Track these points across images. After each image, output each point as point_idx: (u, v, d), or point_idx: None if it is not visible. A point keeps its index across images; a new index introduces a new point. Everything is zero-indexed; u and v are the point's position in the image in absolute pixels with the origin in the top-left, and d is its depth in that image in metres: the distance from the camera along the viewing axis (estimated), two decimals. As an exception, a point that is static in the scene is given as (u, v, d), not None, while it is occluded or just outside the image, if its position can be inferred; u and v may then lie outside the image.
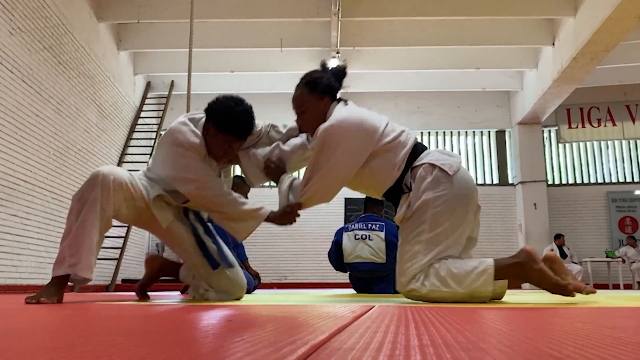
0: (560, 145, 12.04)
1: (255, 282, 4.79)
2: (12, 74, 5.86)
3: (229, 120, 2.44)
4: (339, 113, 2.47)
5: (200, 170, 2.48)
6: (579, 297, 2.39)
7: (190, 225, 2.69)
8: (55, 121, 6.86)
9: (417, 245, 2.34)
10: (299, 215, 2.55)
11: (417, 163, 2.44)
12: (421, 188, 2.37)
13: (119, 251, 8.41)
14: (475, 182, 2.57)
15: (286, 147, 2.71)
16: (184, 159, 2.45)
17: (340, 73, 2.64)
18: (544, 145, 11.85)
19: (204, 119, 2.54)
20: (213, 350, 0.75)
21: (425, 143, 12.15)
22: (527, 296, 3.24)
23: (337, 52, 8.86)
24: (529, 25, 8.89)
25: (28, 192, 6.20)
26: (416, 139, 2.57)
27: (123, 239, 8.52)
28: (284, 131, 2.77)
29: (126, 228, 8.52)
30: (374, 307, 1.95)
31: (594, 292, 2.37)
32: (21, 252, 6.06)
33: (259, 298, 3.10)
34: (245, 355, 0.67)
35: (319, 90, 2.54)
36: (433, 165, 2.39)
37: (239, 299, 2.71)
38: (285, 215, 2.54)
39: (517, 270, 2.24)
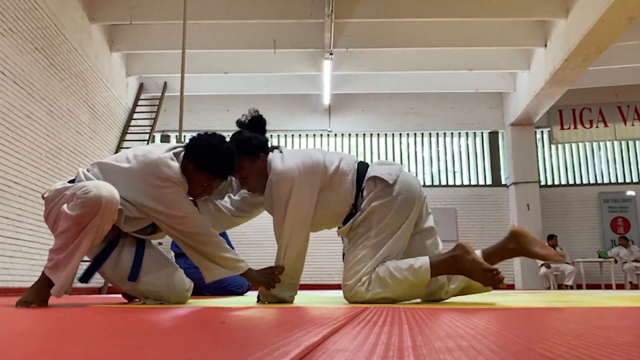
0: (553, 146, 12.10)
1: (248, 284, 4.79)
2: (3, 76, 5.82)
3: (210, 158, 2.39)
4: (277, 164, 2.55)
5: (188, 206, 2.44)
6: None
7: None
8: (47, 123, 6.82)
9: (363, 251, 2.48)
10: (279, 281, 2.56)
11: (364, 184, 2.59)
12: (367, 199, 2.54)
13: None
14: (421, 182, 2.82)
15: (237, 196, 2.83)
16: (171, 194, 2.38)
17: (260, 123, 2.71)
18: (537, 146, 11.90)
19: (182, 154, 2.48)
20: (206, 352, 0.75)
21: (418, 144, 12.14)
22: (519, 297, 3.26)
23: (331, 54, 8.87)
24: (521, 26, 8.94)
25: (20, 194, 6.17)
26: (357, 160, 2.70)
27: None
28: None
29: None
30: (367, 308, 1.95)
31: (562, 259, 2.61)
32: (13, 254, 6.02)
33: (253, 300, 3.09)
34: (239, 357, 0.67)
35: (252, 152, 2.60)
36: (374, 178, 2.56)
37: (178, 303, 2.63)
38: (266, 277, 2.57)
39: (452, 264, 2.38)
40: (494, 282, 2.28)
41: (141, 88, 10.50)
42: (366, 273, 2.44)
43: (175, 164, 2.42)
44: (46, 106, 6.81)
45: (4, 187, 5.84)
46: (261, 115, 2.71)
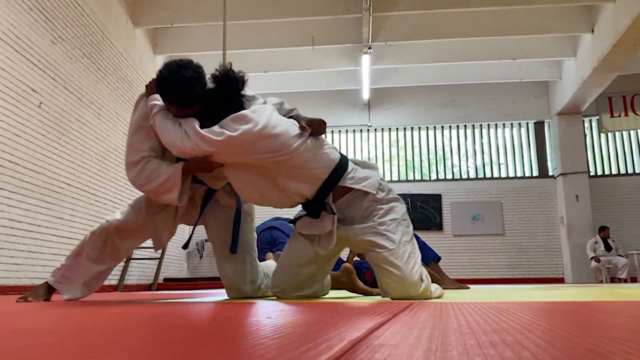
0: (602, 135, 11.67)
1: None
2: (55, 82, 6.06)
3: (162, 87, 2.32)
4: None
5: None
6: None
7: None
8: (96, 126, 7.06)
9: (408, 247, 2.35)
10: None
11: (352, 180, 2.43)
12: (383, 197, 2.44)
13: (160, 251, 8.60)
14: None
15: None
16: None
17: (228, 84, 2.41)
18: (585, 136, 11.52)
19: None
20: (252, 346, 0.77)
21: (461, 137, 11.94)
22: (569, 290, 3.18)
23: (369, 48, 8.82)
24: (566, 12, 8.65)
25: (72, 195, 6.41)
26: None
27: (164, 239, 8.69)
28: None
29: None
30: (412, 303, 1.95)
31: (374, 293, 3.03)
32: (67, 253, 6.25)
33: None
34: (284, 351, 0.69)
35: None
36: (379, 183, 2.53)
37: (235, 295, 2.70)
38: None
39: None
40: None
41: (184, 89, 10.70)
42: (420, 269, 2.36)
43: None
44: (95, 110, 7.05)
45: (58, 189, 6.09)
46: (229, 73, 2.37)
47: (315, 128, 2.38)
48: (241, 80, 2.39)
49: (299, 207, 2.51)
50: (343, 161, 2.43)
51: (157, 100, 2.39)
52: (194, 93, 2.28)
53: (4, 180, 5.13)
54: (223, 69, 2.38)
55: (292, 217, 2.62)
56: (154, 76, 2.37)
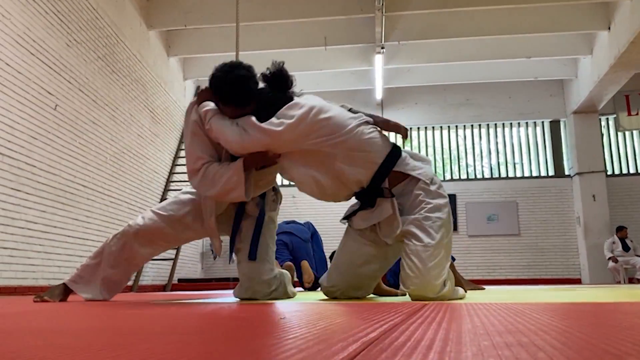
0: (619, 134, 11.52)
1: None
2: (70, 84, 6.13)
3: (219, 88, 2.38)
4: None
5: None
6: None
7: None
8: (110, 127, 7.13)
9: (443, 250, 2.29)
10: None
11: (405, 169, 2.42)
12: (432, 191, 2.39)
13: (174, 252, 8.66)
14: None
15: None
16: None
17: (281, 79, 2.51)
18: (602, 134, 11.38)
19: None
20: (267, 346, 0.77)
21: (475, 136, 11.85)
22: (586, 291, 3.14)
23: (382, 48, 8.80)
24: (581, 10, 8.56)
25: (88, 197, 6.48)
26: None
27: (178, 239, 8.75)
28: None
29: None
30: (427, 304, 1.94)
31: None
32: (83, 254, 6.33)
33: (308, 296, 3.13)
34: (298, 351, 0.69)
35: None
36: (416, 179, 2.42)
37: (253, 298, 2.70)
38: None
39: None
40: None
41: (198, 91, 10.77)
42: (446, 275, 2.30)
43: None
44: (109, 112, 7.12)
45: (74, 191, 6.16)
46: (282, 70, 2.48)
47: (403, 130, 2.48)
48: (291, 78, 2.48)
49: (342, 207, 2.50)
50: (397, 148, 2.44)
51: (209, 105, 2.44)
52: (249, 91, 2.36)
53: (21, 182, 5.20)
54: (275, 66, 2.46)
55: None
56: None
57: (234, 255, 2.76)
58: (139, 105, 8.14)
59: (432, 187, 2.37)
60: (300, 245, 5.00)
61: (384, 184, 2.38)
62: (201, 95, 2.50)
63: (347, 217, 2.56)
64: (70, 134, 6.12)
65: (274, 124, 2.30)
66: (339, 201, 2.51)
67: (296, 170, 2.41)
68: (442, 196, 2.39)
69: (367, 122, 2.41)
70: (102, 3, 7.01)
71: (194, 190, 2.65)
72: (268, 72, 2.45)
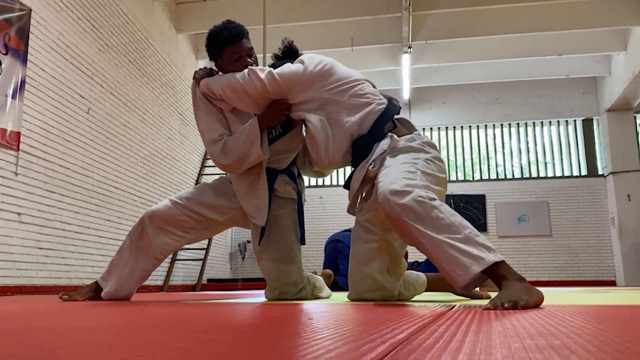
0: (656, 132, 11.21)
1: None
2: (102, 88, 6.27)
3: (212, 36, 2.70)
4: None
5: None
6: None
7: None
8: (141, 130, 7.26)
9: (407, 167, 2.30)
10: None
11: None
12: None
13: (203, 252, 8.77)
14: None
15: None
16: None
17: (292, 51, 2.82)
18: (637, 133, 11.08)
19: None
20: (295, 347, 0.78)
21: (505, 135, 11.68)
22: (621, 294, 3.06)
23: (409, 47, 8.75)
24: (614, 4, 8.35)
25: (119, 198, 6.61)
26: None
27: (207, 240, 8.87)
28: None
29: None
30: (455, 306, 1.92)
31: None
32: (114, 254, 6.47)
33: (339, 297, 3.13)
34: (326, 352, 0.69)
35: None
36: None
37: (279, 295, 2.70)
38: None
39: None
40: None
41: (226, 93, 10.89)
42: (418, 186, 2.00)
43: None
44: (140, 114, 7.25)
45: (105, 192, 6.29)
46: (291, 44, 2.80)
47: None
48: (299, 51, 2.77)
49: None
50: (392, 106, 2.53)
51: (210, 79, 2.64)
52: (241, 27, 2.67)
53: (55, 184, 5.34)
54: (285, 43, 2.80)
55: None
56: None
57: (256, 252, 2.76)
58: (169, 107, 8.27)
59: (419, 140, 2.29)
60: (347, 252, 5.02)
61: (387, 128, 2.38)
62: (198, 75, 2.69)
63: (346, 185, 2.46)
64: (102, 137, 6.25)
65: (285, 67, 2.47)
66: (340, 162, 2.44)
67: (312, 116, 2.41)
68: (430, 145, 2.30)
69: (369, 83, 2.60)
70: (133, 8, 7.15)
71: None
72: (279, 50, 2.75)
